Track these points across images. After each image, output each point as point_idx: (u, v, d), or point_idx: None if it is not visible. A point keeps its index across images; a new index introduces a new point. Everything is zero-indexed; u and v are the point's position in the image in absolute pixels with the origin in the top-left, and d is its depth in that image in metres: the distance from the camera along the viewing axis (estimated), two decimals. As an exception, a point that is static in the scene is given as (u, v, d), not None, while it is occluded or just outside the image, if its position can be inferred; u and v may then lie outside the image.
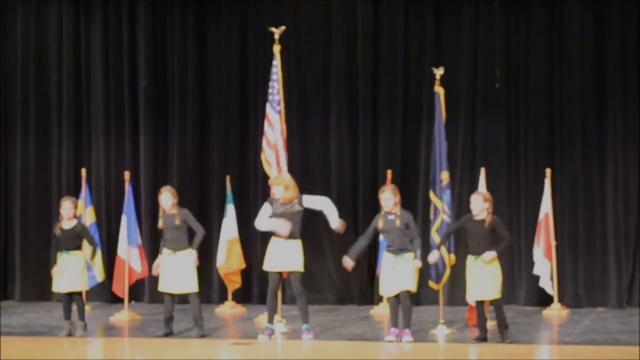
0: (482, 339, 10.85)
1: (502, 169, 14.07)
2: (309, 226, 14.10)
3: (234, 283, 13.93)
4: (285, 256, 11.20)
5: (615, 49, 13.84)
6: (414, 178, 14.29)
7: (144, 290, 14.70)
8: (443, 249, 11.35)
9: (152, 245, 14.30)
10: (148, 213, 14.73)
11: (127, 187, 13.47)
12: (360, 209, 14.44)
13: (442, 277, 11.64)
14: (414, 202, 14.12)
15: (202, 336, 11.35)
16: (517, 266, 13.97)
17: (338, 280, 14.51)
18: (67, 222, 11.72)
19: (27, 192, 15.32)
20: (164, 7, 15.11)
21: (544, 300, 13.39)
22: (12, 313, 13.67)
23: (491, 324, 11.82)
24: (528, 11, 14.11)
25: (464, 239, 11.51)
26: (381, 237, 13.12)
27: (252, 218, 14.41)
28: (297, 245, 11.27)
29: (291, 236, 11.23)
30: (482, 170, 12.48)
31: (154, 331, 11.78)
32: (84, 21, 15.29)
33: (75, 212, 11.97)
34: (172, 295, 11.48)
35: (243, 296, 14.33)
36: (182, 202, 14.32)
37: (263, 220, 11.31)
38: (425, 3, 14.43)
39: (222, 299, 14.20)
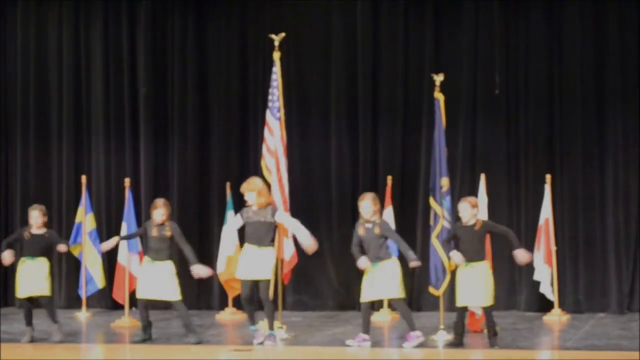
0: (456, 344, 10.86)
1: (502, 174, 14.09)
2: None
3: (234, 290, 13.91)
4: (256, 264, 11.21)
5: (615, 54, 13.86)
6: (414, 184, 14.30)
7: (145, 296, 14.69)
8: (443, 254, 11.36)
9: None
10: (148, 219, 14.69)
11: (127, 194, 13.48)
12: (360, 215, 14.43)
13: (442, 283, 11.64)
14: (414, 208, 14.15)
15: (200, 342, 11.35)
16: (517, 272, 13.96)
17: (338, 286, 14.51)
18: (35, 230, 11.73)
19: (28, 199, 15.27)
20: (164, 13, 15.14)
21: (545, 305, 13.40)
22: (13, 320, 13.66)
23: (499, 329, 11.85)
24: (527, 17, 14.14)
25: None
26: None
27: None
28: (269, 253, 11.27)
29: (262, 244, 11.23)
30: (482, 176, 12.50)
31: (154, 337, 11.78)
32: (84, 27, 15.31)
33: (45, 220, 11.87)
34: (147, 302, 11.51)
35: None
36: (182, 209, 14.37)
37: (229, 231, 11.32)
38: (425, 10, 14.45)
39: (223, 305, 14.21)
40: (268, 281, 11.25)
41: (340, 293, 14.53)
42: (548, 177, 13.27)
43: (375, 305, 13.84)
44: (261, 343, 11.19)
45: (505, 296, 13.94)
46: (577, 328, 12.33)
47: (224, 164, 14.86)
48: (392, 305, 10.90)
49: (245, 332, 12.51)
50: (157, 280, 11.41)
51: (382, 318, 13.25)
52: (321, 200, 14.57)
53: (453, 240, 11.10)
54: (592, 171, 13.94)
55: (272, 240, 11.38)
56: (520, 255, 10.91)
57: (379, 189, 14.20)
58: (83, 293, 14.18)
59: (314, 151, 14.70)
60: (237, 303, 14.07)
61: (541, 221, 13.21)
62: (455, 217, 11.64)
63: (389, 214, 13.49)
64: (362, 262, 10.97)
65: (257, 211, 11.28)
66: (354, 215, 14.39)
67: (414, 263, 10.90)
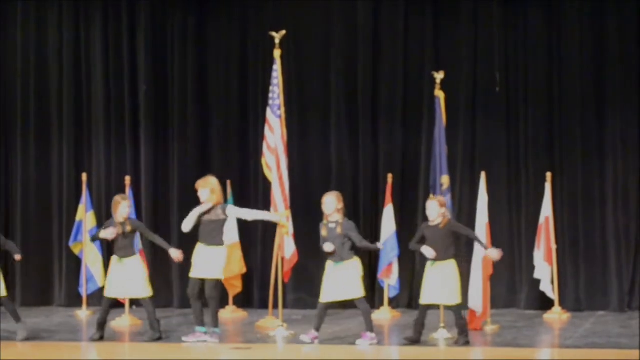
0: (413, 341, 10.86)
1: (502, 172, 14.08)
2: (310, 231, 14.18)
3: (234, 287, 13.93)
4: (205, 263, 11.30)
5: (614, 53, 13.84)
6: (414, 182, 14.30)
7: (145, 295, 14.70)
8: None
9: (153, 250, 14.31)
10: (148, 218, 14.74)
11: (128, 192, 13.48)
12: (360, 213, 14.43)
13: None
14: (415, 206, 14.14)
15: (158, 339, 11.46)
16: (517, 270, 13.98)
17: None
18: None
19: (28, 197, 15.32)
20: (164, 11, 15.13)
21: (545, 304, 13.39)
22: (11, 319, 13.65)
23: (492, 329, 11.85)
24: (527, 15, 14.12)
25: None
26: (382, 240, 13.17)
27: (252, 223, 14.47)
28: (219, 252, 11.33)
29: (213, 243, 11.29)
30: (483, 174, 12.49)
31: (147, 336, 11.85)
32: (84, 26, 15.30)
33: None
34: (114, 300, 11.69)
35: (244, 301, 14.33)
36: (182, 206, 14.38)
37: (189, 220, 11.36)
38: (425, 8, 14.44)
39: (223, 303, 14.16)
40: (215, 280, 11.34)
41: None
42: (548, 175, 13.26)
43: (376, 304, 13.88)
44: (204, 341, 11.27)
45: (505, 294, 13.95)
46: (577, 326, 12.33)
47: (224, 162, 14.86)
48: (355, 304, 10.91)
49: (245, 330, 12.52)
50: (126, 279, 11.53)
51: (383, 316, 13.24)
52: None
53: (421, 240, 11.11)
54: (593, 169, 13.93)
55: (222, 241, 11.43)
56: (493, 254, 10.94)
57: (379, 187, 14.23)
58: (84, 291, 14.18)
59: (314, 149, 14.70)
60: (238, 301, 14.11)
61: (541, 219, 13.20)
62: (456, 215, 11.65)
63: (389, 212, 13.50)
64: (426, 250, 10.89)
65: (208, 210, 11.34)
66: (355, 212, 14.44)
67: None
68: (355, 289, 10.95)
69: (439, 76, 11.94)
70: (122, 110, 15.15)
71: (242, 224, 14.02)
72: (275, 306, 12.53)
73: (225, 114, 14.97)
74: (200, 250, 11.37)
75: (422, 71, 14.14)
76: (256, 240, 14.34)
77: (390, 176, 13.76)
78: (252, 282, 14.45)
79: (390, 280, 13.41)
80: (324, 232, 11.06)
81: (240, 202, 14.31)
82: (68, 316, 13.99)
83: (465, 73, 14.26)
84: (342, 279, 10.92)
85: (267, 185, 13.03)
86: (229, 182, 14.02)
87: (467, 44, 14.31)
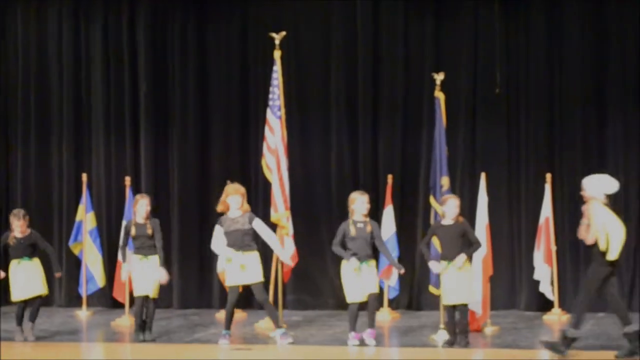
0: (451, 342, 10.87)
1: (502, 173, 14.08)
2: (309, 232, 14.19)
3: (234, 288, 13.91)
4: (244, 269, 11.27)
5: (615, 54, 13.85)
6: (414, 183, 14.30)
7: (145, 295, 14.71)
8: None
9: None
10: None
11: (128, 193, 13.49)
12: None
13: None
14: (415, 207, 14.15)
15: (153, 340, 11.44)
16: (517, 271, 13.98)
17: (338, 285, 14.49)
18: (18, 233, 11.78)
19: (28, 197, 15.31)
20: (165, 11, 15.13)
21: (545, 305, 13.40)
22: (13, 318, 13.64)
23: (492, 330, 11.85)
24: (528, 16, 14.13)
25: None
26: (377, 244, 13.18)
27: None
28: (254, 256, 11.33)
29: (248, 249, 11.28)
30: (483, 175, 12.49)
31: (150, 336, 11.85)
32: (84, 26, 15.30)
33: (27, 225, 11.87)
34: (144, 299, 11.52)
35: (243, 302, 14.28)
36: (182, 208, 14.38)
37: (218, 243, 11.39)
38: (425, 9, 14.45)
39: (223, 304, 14.15)
40: (260, 283, 11.30)
41: (340, 292, 14.48)
42: (548, 176, 13.26)
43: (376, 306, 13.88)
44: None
45: (505, 295, 13.95)
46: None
47: (224, 163, 14.85)
48: (372, 300, 10.98)
49: (245, 331, 12.52)
50: (148, 276, 11.42)
51: (383, 317, 13.25)
52: (321, 199, 14.57)
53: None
54: (592, 170, 13.82)
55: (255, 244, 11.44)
56: (458, 260, 10.87)
57: (379, 188, 14.22)
58: (83, 291, 14.19)
59: (314, 150, 14.70)
60: (237, 302, 14.08)
61: (541, 220, 13.20)
62: (463, 215, 11.62)
63: (389, 213, 13.50)
64: (433, 265, 11.00)
65: (236, 220, 11.30)
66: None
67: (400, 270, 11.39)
68: (377, 287, 11.09)
69: (439, 77, 11.94)
70: (122, 110, 15.15)
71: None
72: (275, 307, 12.53)
73: (226, 114, 14.97)
74: (235, 258, 11.29)
75: (422, 72, 14.13)
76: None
77: (390, 177, 13.76)
78: (252, 283, 14.42)
79: (390, 281, 13.41)
80: (352, 231, 11.06)
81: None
82: (68, 316, 14.00)
83: (465, 74, 14.26)
84: (365, 277, 11.00)
85: (267, 186, 13.04)
86: (228, 183, 14.02)
87: (467, 45, 14.31)
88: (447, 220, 10.99)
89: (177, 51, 15.07)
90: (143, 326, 11.50)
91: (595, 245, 10.13)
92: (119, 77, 15.16)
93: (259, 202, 14.44)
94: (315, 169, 14.64)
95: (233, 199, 11.34)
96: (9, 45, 15.52)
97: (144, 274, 11.44)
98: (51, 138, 15.35)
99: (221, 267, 11.64)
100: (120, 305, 13.71)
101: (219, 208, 11.47)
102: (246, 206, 11.41)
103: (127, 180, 13.63)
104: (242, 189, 11.46)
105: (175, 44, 15.09)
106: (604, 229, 10.07)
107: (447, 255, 10.87)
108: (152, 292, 11.46)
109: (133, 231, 11.47)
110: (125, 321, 13.12)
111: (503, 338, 11.50)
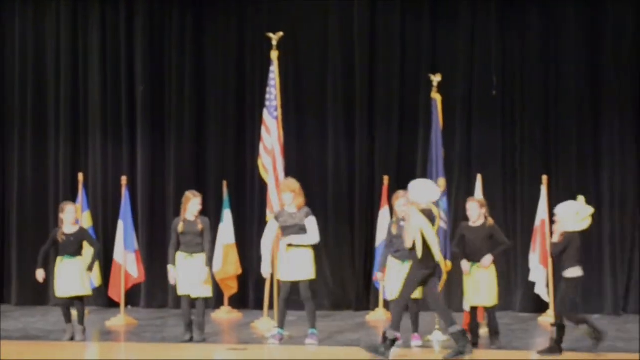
0: (473, 343, 10.88)
1: (498, 175, 14.11)
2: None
3: (230, 288, 13.94)
4: (295, 265, 11.18)
5: (610, 56, 13.88)
6: (411, 184, 14.29)
7: (140, 295, 14.71)
8: (440, 255, 11.34)
9: (149, 250, 14.33)
10: (145, 218, 14.75)
11: (124, 192, 13.47)
12: (356, 214, 14.47)
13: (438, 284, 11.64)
14: (411, 208, 14.13)
15: (203, 340, 11.35)
16: (513, 272, 14.00)
17: (334, 286, 14.52)
18: (69, 227, 11.65)
19: (25, 196, 15.31)
20: (162, 11, 15.13)
21: (540, 306, 13.41)
22: (9, 317, 13.66)
23: (484, 330, 11.86)
24: (524, 18, 14.16)
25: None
26: (378, 242, 13.19)
27: (248, 223, 14.53)
28: (307, 253, 11.22)
29: (301, 245, 11.20)
30: (479, 177, 12.51)
31: (149, 336, 11.81)
32: (81, 25, 15.30)
33: (76, 216, 11.94)
34: (189, 298, 11.40)
35: (239, 301, 14.33)
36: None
37: (267, 244, 11.32)
38: (422, 11, 14.47)
39: (219, 304, 14.19)
40: (309, 281, 11.21)
41: (335, 292, 14.54)
42: (544, 178, 13.27)
43: (371, 305, 13.90)
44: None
45: (500, 297, 13.92)
46: (572, 329, 12.30)
47: (220, 163, 14.86)
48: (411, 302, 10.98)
49: (240, 331, 12.52)
50: (192, 275, 11.30)
51: (378, 317, 13.26)
52: (318, 199, 14.55)
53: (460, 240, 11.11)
54: (588, 172, 13.96)
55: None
56: (485, 260, 10.91)
57: (375, 189, 14.23)
58: (80, 291, 14.16)
59: (310, 150, 14.71)
60: (233, 302, 14.11)
61: (537, 222, 13.21)
62: (452, 217, 11.64)
63: (385, 214, 13.50)
64: (464, 265, 10.97)
65: (293, 215, 11.22)
66: (351, 214, 14.46)
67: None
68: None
69: (436, 79, 11.95)
70: (119, 110, 15.14)
71: (238, 225, 14.04)
72: (271, 307, 12.54)
73: (222, 114, 14.98)
74: (287, 254, 11.20)
75: (419, 74, 14.15)
76: (251, 241, 14.32)
77: (386, 178, 13.76)
78: (248, 283, 14.43)
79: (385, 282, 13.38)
80: (394, 230, 11.02)
81: (236, 203, 14.35)
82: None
83: (462, 76, 14.29)
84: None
85: (263, 186, 13.05)
86: (225, 183, 14.03)
87: (464, 47, 14.33)
88: (475, 222, 10.98)
89: (174, 51, 15.07)
90: (190, 325, 11.41)
91: (413, 248, 10.11)
92: (116, 77, 15.16)
93: (255, 202, 14.45)
94: (312, 170, 14.64)
95: (286, 196, 11.27)
96: (6, 43, 15.50)
97: (188, 272, 11.32)
98: (48, 137, 15.33)
99: (267, 271, 11.46)
100: (116, 305, 13.69)
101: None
102: (300, 201, 11.25)
103: (124, 179, 13.62)
104: (293, 185, 11.30)
105: (172, 43, 15.09)
106: (420, 234, 10.04)
107: (473, 257, 10.89)
108: (201, 292, 11.32)
109: (181, 227, 11.38)
110: (120, 320, 13.11)
111: (498, 339, 11.48)
